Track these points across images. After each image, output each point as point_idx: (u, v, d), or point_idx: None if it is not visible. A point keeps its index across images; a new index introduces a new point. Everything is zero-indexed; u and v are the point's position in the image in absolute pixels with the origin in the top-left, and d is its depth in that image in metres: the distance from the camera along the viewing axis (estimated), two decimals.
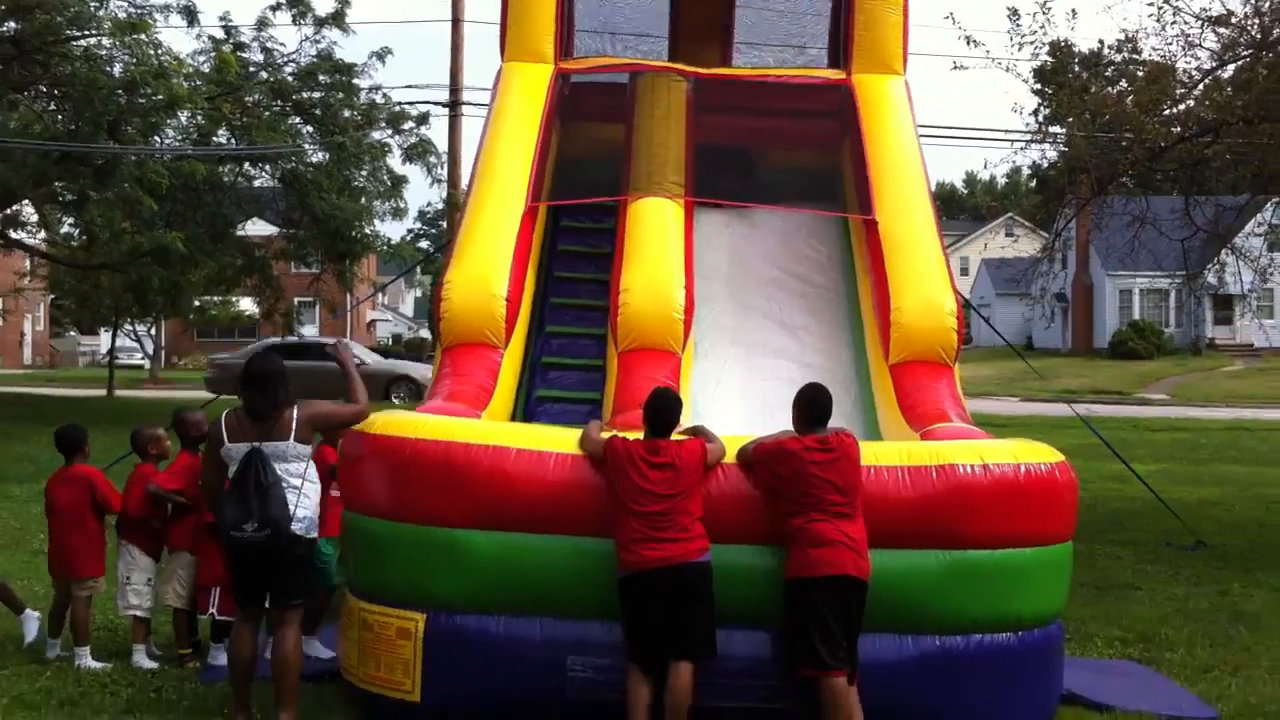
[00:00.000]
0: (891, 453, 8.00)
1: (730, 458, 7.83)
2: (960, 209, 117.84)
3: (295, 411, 7.76)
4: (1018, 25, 18.40)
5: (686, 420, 9.72)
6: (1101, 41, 19.40)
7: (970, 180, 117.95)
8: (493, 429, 8.27)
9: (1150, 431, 31.76)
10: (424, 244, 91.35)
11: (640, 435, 7.80)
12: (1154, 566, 14.10)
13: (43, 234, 35.81)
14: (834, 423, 8.51)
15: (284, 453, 7.63)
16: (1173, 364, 60.02)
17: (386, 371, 38.84)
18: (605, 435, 7.86)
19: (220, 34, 30.31)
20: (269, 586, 7.70)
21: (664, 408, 7.82)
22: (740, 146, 14.85)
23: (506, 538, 7.70)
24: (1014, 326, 73.12)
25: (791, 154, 15.13)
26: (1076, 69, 26.17)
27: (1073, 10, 24.40)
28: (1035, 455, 8.08)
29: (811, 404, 7.88)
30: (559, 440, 7.96)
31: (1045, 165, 22.99)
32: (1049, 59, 22.69)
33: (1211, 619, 11.53)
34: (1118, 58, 19.80)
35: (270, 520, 7.47)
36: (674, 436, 7.78)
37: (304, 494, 7.68)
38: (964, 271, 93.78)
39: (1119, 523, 17.08)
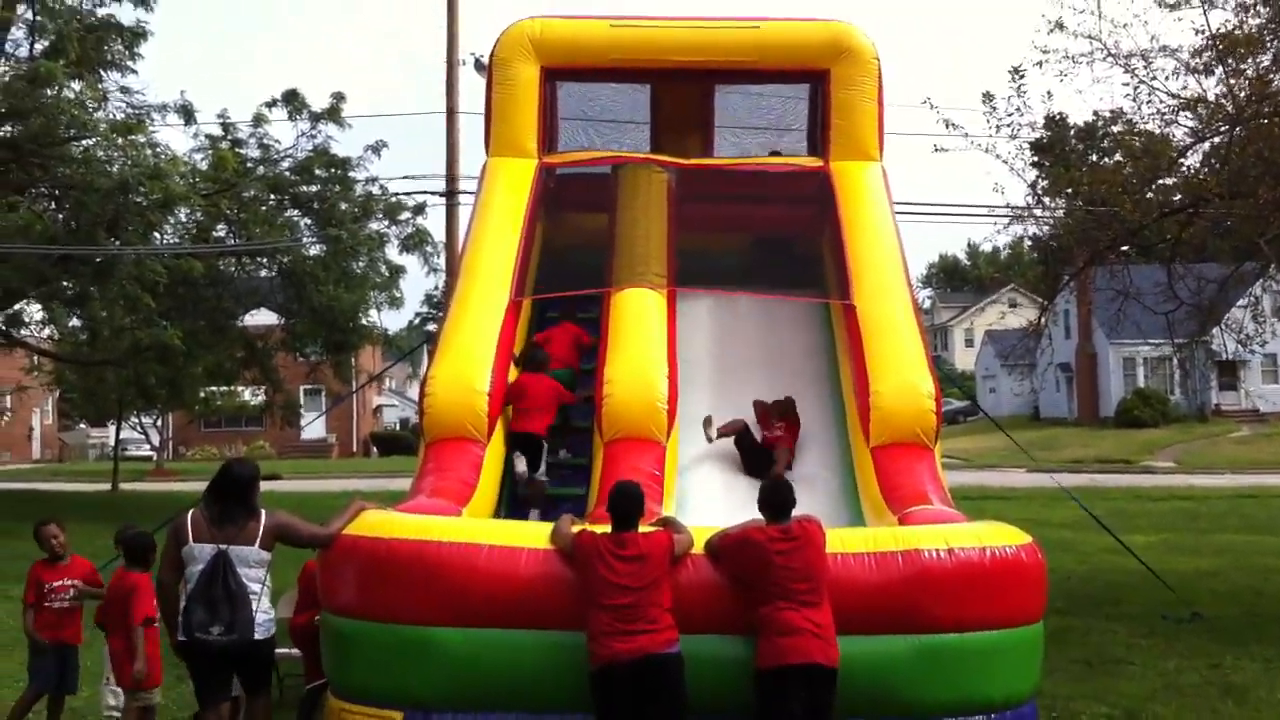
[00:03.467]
0: (857, 539, 8.09)
1: (698, 548, 7.90)
2: (964, 281, 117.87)
3: (263, 519, 7.89)
4: (994, 109, 18.53)
5: (670, 509, 9.87)
6: (1097, 114, 19.48)
7: (974, 253, 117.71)
8: (464, 526, 8.39)
9: (1152, 501, 31.76)
10: (432, 327, 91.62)
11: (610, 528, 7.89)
12: (1148, 640, 14.06)
13: (47, 331, 35.96)
14: (817, 507, 8.53)
15: (248, 558, 7.73)
16: (1178, 431, 59.65)
17: None
18: (575, 529, 7.96)
19: (218, 130, 30.68)
20: (239, 679, 7.90)
21: (625, 501, 7.89)
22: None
23: (479, 634, 7.78)
24: (1021, 397, 73.11)
25: (773, 240, 15.36)
26: (1073, 142, 26.35)
27: (1048, 92, 24.58)
28: (1001, 538, 8.15)
29: (773, 495, 7.95)
30: (530, 536, 8.06)
31: (1042, 239, 22.92)
32: (1045, 133, 22.82)
33: (1200, 693, 11.51)
34: (1114, 129, 19.86)
35: (239, 625, 7.59)
36: (643, 529, 7.87)
37: (263, 599, 7.81)
38: (968, 343, 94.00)
39: (1116, 596, 17.06)
